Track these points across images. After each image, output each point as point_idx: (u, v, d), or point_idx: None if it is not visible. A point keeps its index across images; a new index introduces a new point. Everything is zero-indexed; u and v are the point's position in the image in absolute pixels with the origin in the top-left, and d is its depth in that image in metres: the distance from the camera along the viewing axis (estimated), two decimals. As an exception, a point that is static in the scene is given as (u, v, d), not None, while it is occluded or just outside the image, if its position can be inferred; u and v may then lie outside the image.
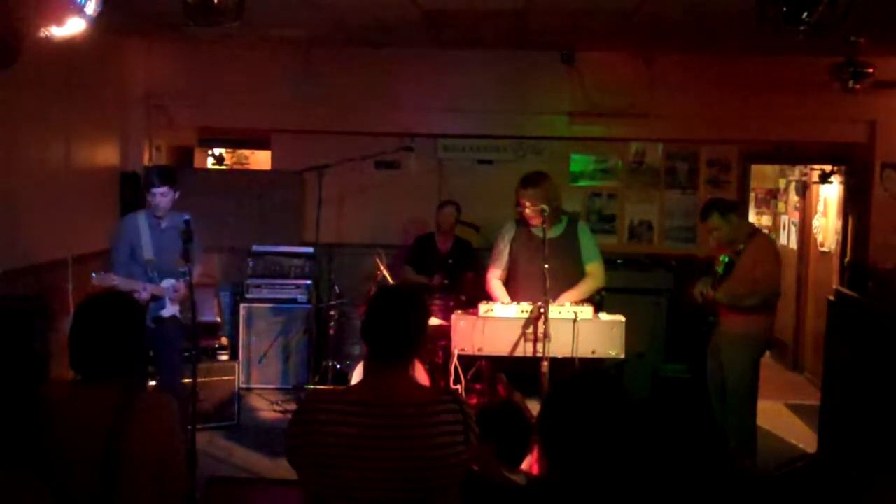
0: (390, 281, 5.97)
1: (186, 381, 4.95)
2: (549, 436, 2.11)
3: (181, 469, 2.71)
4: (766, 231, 6.49)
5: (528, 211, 4.74)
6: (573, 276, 4.82)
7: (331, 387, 6.30)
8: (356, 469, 2.27)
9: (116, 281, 4.75)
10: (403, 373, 2.43)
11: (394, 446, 2.29)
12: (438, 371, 5.77)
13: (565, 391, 2.17)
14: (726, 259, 5.18)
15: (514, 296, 4.84)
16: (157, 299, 5.04)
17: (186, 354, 5.03)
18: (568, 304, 4.60)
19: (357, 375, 5.54)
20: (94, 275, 4.79)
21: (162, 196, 4.99)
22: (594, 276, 4.87)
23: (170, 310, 5.11)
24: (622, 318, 4.60)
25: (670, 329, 6.89)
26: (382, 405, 2.33)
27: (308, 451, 2.32)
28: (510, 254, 4.94)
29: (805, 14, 3.62)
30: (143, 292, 4.87)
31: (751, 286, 5.09)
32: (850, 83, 5.83)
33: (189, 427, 4.81)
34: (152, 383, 5.32)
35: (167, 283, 5.04)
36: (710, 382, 5.42)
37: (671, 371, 6.64)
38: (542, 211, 4.63)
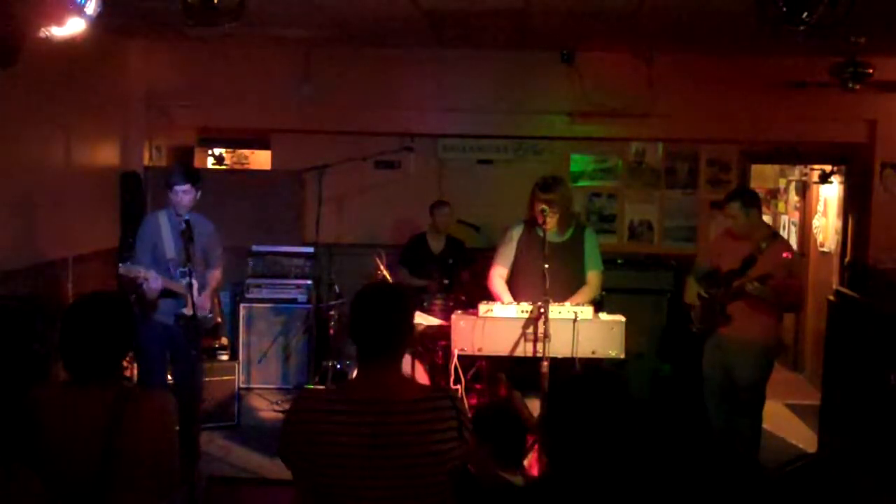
0: (390, 281, 5.97)
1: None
2: (552, 435, 2.12)
3: (176, 466, 2.71)
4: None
5: (547, 217, 4.64)
6: (575, 281, 4.83)
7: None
8: (348, 466, 2.28)
9: (143, 272, 4.75)
10: (393, 369, 2.43)
11: (385, 442, 2.29)
12: (438, 371, 5.76)
13: (569, 390, 2.17)
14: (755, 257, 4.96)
15: (515, 296, 4.84)
16: (177, 296, 4.94)
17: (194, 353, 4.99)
18: (568, 303, 4.60)
19: (357, 376, 5.53)
20: (121, 265, 4.88)
21: (184, 194, 4.92)
22: (591, 285, 4.88)
23: (191, 308, 4.88)
24: (622, 318, 4.59)
25: (670, 329, 6.89)
26: (373, 401, 2.34)
27: (300, 449, 2.33)
28: (515, 254, 4.95)
29: (805, 14, 3.62)
30: (154, 282, 4.80)
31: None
32: (850, 83, 5.83)
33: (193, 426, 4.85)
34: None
35: (186, 280, 4.83)
36: (710, 385, 5.29)
37: (671, 371, 6.64)
38: (568, 215, 4.65)
